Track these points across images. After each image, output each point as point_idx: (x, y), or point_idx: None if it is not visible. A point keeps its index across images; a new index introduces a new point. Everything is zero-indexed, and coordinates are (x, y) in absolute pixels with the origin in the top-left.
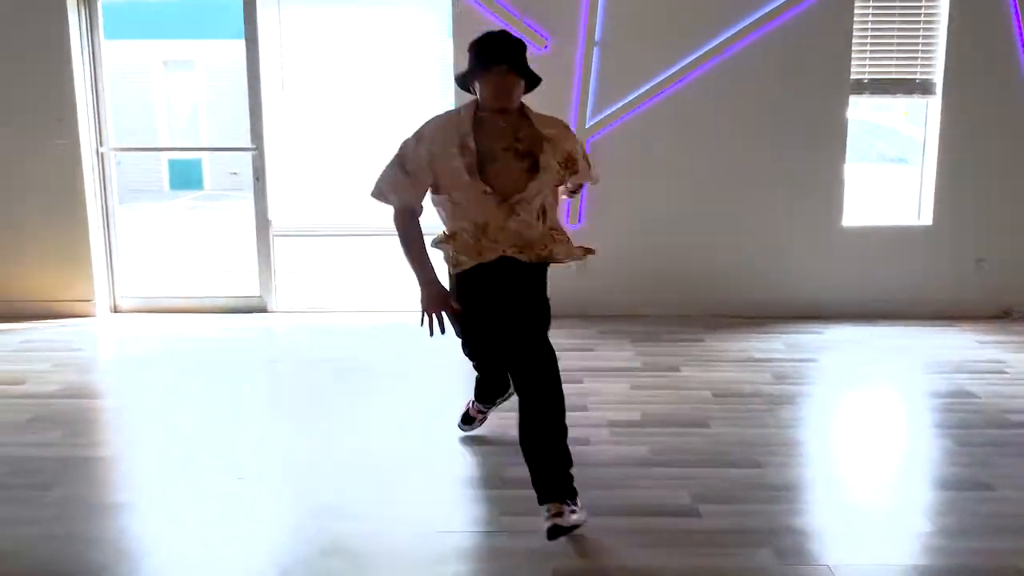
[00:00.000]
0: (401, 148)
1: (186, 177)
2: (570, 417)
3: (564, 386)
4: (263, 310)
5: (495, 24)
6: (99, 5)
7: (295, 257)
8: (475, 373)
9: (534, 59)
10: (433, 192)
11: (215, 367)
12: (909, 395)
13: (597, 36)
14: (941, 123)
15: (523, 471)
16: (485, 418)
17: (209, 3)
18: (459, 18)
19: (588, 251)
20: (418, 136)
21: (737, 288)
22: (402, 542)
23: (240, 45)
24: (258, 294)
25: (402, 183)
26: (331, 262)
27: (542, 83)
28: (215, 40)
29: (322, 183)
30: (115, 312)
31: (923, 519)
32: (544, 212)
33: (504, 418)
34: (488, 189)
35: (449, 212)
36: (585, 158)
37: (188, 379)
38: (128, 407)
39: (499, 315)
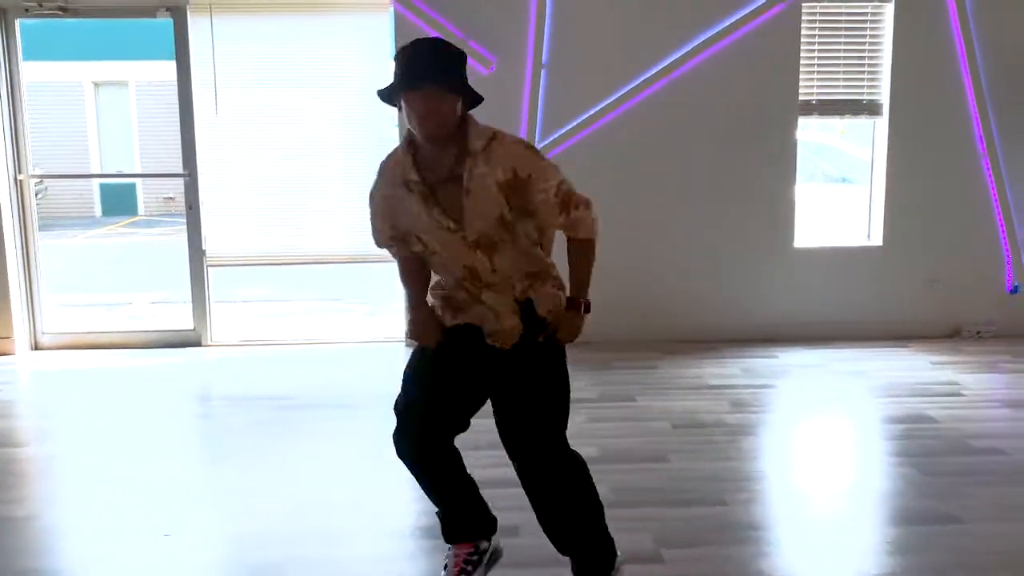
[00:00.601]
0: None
1: (119, 203)
2: None
3: None
4: (197, 344)
5: None
6: (16, 25)
7: (231, 287)
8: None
9: (478, 81)
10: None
11: (144, 407)
12: (869, 422)
13: (544, 58)
14: (889, 143)
15: None
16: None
17: (140, 23)
18: (400, 38)
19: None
20: (374, 184)
21: (689, 312)
22: None
23: (168, 66)
24: (192, 327)
25: (378, 231)
26: (269, 292)
27: (485, 105)
28: (149, 60)
29: (259, 210)
30: (36, 349)
31: (894, 558)
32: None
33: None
34: (451, 224)
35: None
36: (556, 190)
37: (115, 422)
38: (50, 456)
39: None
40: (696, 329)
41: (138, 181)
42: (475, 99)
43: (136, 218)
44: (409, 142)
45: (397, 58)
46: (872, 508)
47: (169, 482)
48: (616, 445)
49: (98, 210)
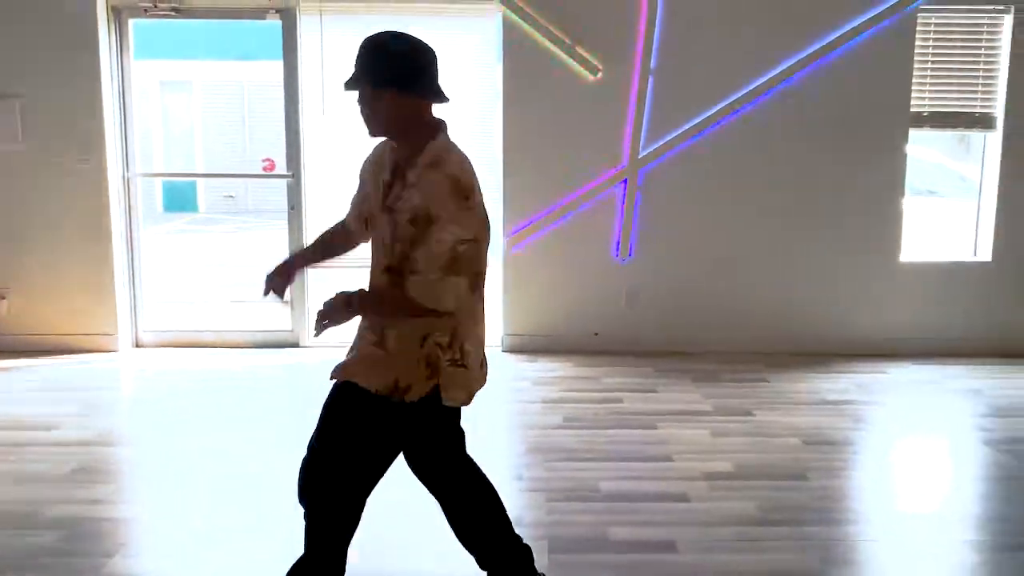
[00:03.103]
0: None
1: (180, 200)
2: (659, 468)
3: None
4: (295, 345)
5: (542, 50)
6: (130, 25)
7: (329, 290)
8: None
9: (585, 87)
10: None
11: (242, 408)
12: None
13: (652, 63)
14: (1001, 157)
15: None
16: None
17: (241, 24)
18: (508, 42)
19: None
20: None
21: (794, 324)
22: None
23: (235, 66)
24: (290, 328)
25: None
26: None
27: (593, 111)
28: (212, 60)
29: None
30: (137, 346)
31: None
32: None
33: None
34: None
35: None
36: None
37: (210, 422)
38: (144, 455)
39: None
40: (801, 342)
41: (199, 180)
42: (412, 85)
43: (196, 215)
44: None
45: None
46: None
47: (280, 485)
48: (750, 461)
49: (160, 206)
